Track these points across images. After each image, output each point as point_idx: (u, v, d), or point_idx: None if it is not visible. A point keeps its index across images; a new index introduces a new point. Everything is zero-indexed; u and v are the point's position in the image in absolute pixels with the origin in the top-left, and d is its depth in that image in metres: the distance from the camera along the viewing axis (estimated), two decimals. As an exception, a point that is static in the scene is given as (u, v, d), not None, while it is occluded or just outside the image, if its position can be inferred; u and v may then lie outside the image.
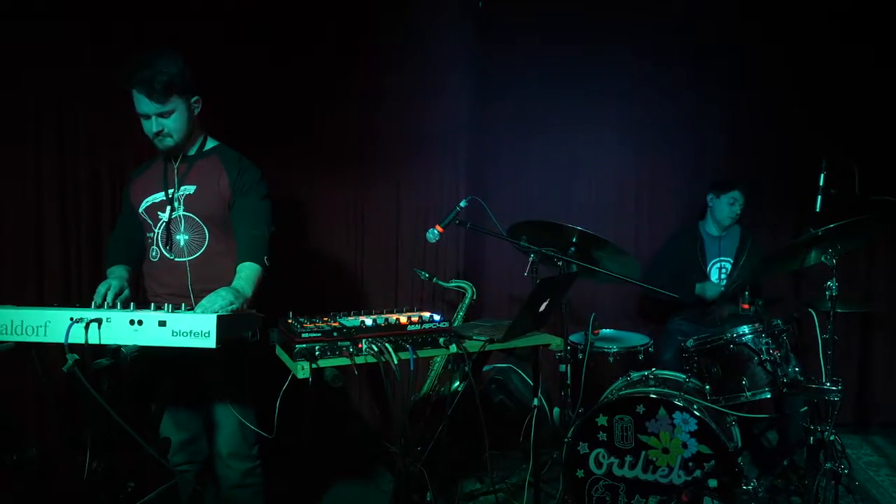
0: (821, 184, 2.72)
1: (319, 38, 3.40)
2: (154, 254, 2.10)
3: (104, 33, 2.80)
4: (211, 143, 2.16)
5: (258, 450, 2.10)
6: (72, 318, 1.51)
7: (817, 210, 2.69)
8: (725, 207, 3.44)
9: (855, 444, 3.66)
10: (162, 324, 1.52)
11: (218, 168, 2.09)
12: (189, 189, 2.06)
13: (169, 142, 2.01)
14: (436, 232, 2.40)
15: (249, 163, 2.13)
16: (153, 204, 2.09)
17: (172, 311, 1.57)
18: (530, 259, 2.47)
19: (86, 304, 1.80)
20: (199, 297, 1.92)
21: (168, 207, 2.05)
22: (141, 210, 2.10)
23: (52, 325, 1.53)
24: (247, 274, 1.95)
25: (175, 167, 2.08)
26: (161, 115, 1.95)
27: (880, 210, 2.48)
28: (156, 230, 2.08)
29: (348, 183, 3.55)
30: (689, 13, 3.85)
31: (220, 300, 1.73)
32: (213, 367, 1.98)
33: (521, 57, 3.86)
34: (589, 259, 2.64)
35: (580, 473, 2.45)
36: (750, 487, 2.24)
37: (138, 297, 2.14)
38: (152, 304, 1.67)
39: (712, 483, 2.26)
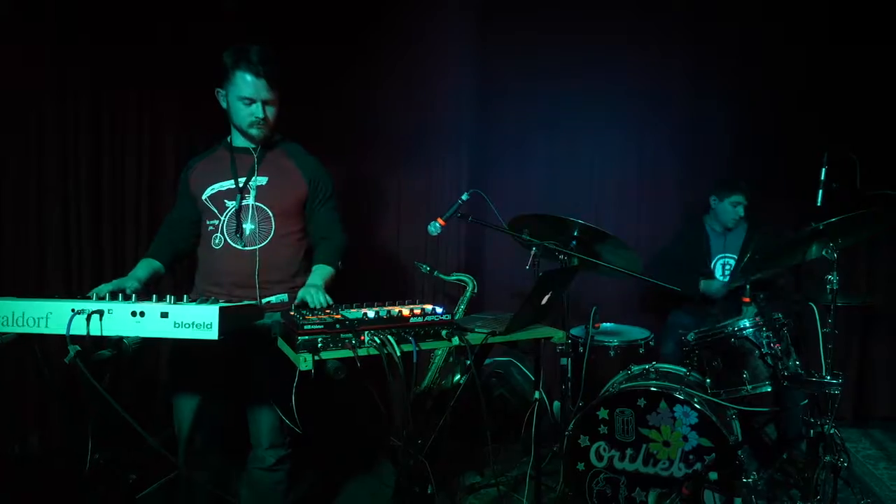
0: (822, 178, 2.71)
1: (320, 35, 3.38)
2: (217, 241, 2.10)
3: (102, 33, 2.79)
4: (276, 136, 2.21)
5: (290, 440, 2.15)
6: (73, 310, 1.51)
7: (818, 204, 2.69)
8: (729, 209, 3.40)
9: (854, 437, 3.67)
10: (164, 315, 1.52)
11: (287, 161, 2.16)
12: (261, 180, 2.10)
13: (266, 130, 2.09)
14: (437, 225, 2.40)
15: (318, 162, 2.21)
16: (220, 192, 2.10)
17: (174, 303, 1.57)
18: (532, 252, 2.47)
19: (87, 296, 1.79)
20: (263, 286, 2.08)
21: (238, 196, 2.08)
22: (204, 197, 2.11)
23: (54, 316, 1.53)
24: (322, 273, 2.11)
25: (256, 156, 2.13)
26: (268, 102, 2.06)
27: (881, 204, 2.47)
28: (222, 217, 2.09)
29: (350, 176, 3.54)
30: (689, 10, 3.85)
31: (320, 295, 1.93)
32: (265, 364, 2.01)
33: (523, 52, 3.85)
34: (590, 253, 2.64)
35: (581, 466, 2.46)
36: (750, 480, 2.25)
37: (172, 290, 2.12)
38: (154, 296, 1.66)
39: (713, 476, 2.27)
